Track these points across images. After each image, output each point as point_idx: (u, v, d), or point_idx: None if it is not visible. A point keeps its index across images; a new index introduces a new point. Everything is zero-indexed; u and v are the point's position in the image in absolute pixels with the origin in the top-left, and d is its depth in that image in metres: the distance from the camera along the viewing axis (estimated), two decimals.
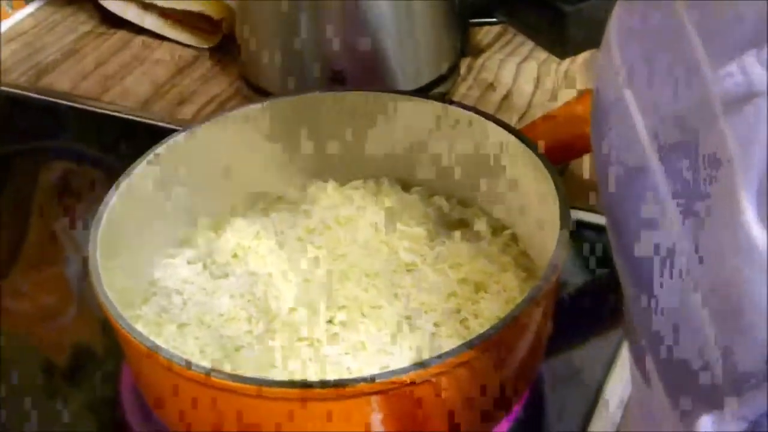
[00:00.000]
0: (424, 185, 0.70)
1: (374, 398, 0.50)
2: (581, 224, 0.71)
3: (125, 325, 0.53)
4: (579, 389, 0.63)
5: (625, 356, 0.64)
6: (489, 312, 0.59)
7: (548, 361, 0.61)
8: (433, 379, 0.50)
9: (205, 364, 0.53)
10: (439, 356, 0.50)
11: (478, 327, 0.58)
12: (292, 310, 0.60)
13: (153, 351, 0.51)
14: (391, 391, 0.49)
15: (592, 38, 0.98)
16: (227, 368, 0.56)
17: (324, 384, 0.50)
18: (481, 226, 0.66)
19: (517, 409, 0.60)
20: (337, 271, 0.62)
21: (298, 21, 0.82)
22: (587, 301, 0.69)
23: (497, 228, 0.66)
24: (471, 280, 0.61)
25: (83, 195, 0.80)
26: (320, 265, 0.63)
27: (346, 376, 0.54)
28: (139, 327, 0.56)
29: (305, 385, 0.50)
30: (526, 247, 0.64)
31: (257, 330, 0.59)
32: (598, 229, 0.73)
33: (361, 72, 0.83)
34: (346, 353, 0.56)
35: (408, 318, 0.59)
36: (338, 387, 0.49)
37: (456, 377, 0.50)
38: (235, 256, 0.65)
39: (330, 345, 0.57)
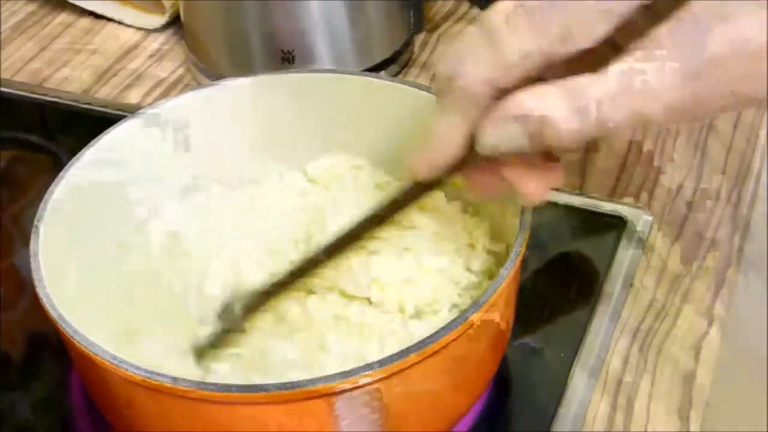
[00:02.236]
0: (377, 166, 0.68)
1: (309, 403, 0.49)
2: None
3: (58, 317, 0.52)
4: (545, 374, 0.63)
5: (591, 337, 0.64)
6: None
7: (513, 343, 0.61)
8: (371, 386, 0.49)
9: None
10: (379, 362, 0.48)
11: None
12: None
13: (90, 352, 0.50)
14: (321, 397, 0.49)
15: None
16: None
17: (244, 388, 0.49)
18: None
19: (479, 403, 0.60)
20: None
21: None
22: (549, 281, 0.69)
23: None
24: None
25: (30, 184, 0.78)
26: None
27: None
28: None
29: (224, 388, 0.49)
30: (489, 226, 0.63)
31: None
32: (558, 207, 0.73)
33: (310, 52, 0.82)
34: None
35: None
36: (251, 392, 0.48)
37: (396, 383, 0.50)
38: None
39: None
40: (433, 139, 0.49)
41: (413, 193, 0.53)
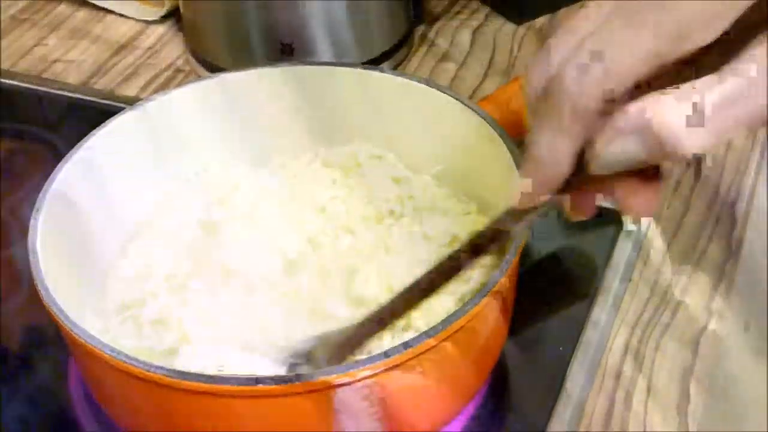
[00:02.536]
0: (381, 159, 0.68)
1: (302, 398, 0.49)
2: None
3: (57, 310, 0.52)
4: (544, 368, 0.63)
5: (589, 332, 0.64)
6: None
7: (511, 339, 0.61)
8: (369, 380, 0.49)
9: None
10: (370, 358, 0.48)
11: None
12: None
13: (92, 346, 0.50)
14: (315, 392, 0.48)
15: (549, 3, 0.98)
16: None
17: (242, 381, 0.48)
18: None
19: (477, 397, 0.60)
20: None
21: None
22: (548, 276, 0.69)
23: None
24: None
25: (28, 175, 0.78)
26: None
27: None
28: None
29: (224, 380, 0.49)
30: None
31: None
32: None
33: (310, 44, 0.82)
34: None
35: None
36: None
37: (393, 377, 0.50)
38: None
39: None
40: (536, 162, 0.44)
41: (507, 223, 0.49)
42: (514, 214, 0.48)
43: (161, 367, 0.48)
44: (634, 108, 0.40)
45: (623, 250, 0.69)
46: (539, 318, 0.65)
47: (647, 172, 0.44)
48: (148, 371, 0.48)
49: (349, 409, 0.50)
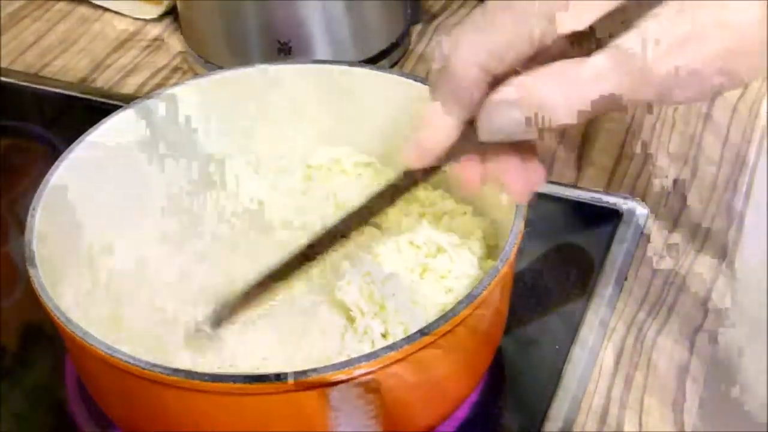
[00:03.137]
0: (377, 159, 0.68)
1: (295, 395, 0.49)
2: (537, 196, 0.71)
3: (53, 307, 0.52)
4: (540, 365, 0.63)
5: (586, 329, 0.64)
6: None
7: (508, 337, 0.61)
8: (365, 377, 0.49)
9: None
10: (367, 356, 0.49)
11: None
12: None
13: (87, 344, 0.50)
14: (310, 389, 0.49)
15: None
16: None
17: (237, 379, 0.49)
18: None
19: (474, 394, 0.60)
20: None
21: None
22: (545, 273, 0.69)
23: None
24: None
25: (26, 172, 0.78)
26: None
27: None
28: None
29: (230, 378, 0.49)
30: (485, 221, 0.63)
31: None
32: (554, 199, 0.73)
33: (307, 43, 0.82)
34: None
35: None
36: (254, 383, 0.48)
37: (389, 374, 0.50)
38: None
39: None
40: (426, 125, 0.49)
41: (403, 185, 0.53)
42: (410, 175, 0.52)
43: (157, 365, 0.48)
44: (515, 81, 0.45)
45: (620, 247, 0.69)
46: (536, 315, 0.66)
47: (526, 152, 0.49)
48: (144, 369, 0.48)
49: (345, 407, 0.50)
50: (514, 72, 0.46)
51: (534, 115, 0.45)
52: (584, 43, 0.45)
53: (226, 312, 0.56)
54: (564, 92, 0.44)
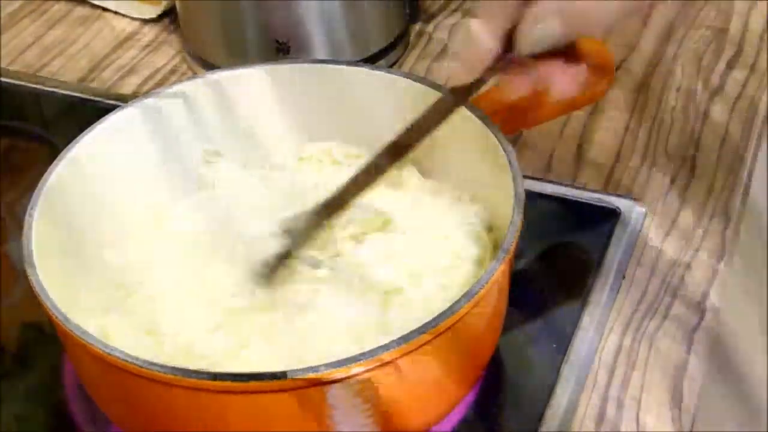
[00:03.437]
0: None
1: (292, 393, 0.49)
2: (535, 195, 0.71)
3: (51, 306, 0.52)
4: (537, 364, 0.63)
5: (583, 329, 0.64)
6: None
7: (506, 336, 0.61)
8: (362, 376, 0.49)
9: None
10: (364, 354, 0.49)
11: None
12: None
13: (85, 342, 0.50)
14: (304, 388, 0.49)
15: None
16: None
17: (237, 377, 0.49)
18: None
19: (471, 393, 0.60)
20: None
21: None
22: (543, 272, 0.69)
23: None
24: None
25: (25, 173, 0.78)
26: None
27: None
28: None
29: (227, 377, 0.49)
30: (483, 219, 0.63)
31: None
32: (552, 198, 0.73)
33: (306, 42, 0.82)
34: None
35: None
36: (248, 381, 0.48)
37: (387, 373, 0.50)
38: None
39: None
40: (471, 40, 0.52)
41: (450, 105, 0.55)
42: (457, 93, 0.55)
43: (154, 364, 0.49)
44: None
45: (617, 247, 0.69)
46: (533, 315, 0.66)
47: (568, 55, 0.52)
48: (141, 367, 0.49)
49: (342, 406, 0.50)
50: None
51: (573, 23, 0.48)
52: None
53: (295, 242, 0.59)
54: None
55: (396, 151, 0.57)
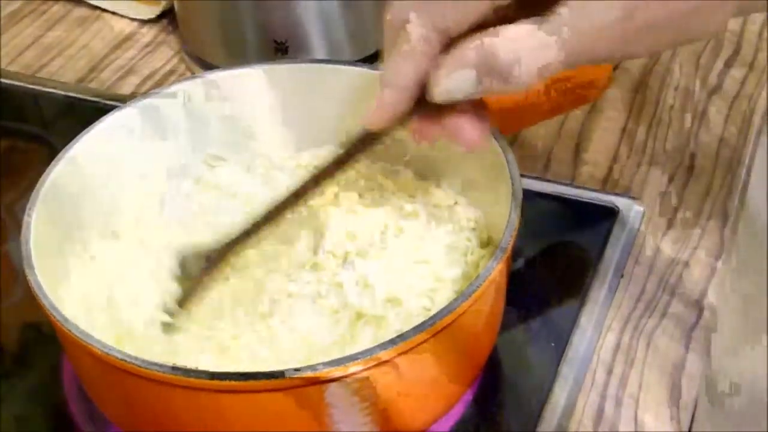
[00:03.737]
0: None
1: (291, 392, 0.49)
2: (533, 194, 0.71)
3: (50, 306, 0.52)
4: (536, 363, 0.63)
5: (581, 327, 0.64)
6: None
7: (504, 334, 0.61)
8: (360, 375, 0.49)
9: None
10: (362, 353, 0.49)
11: None
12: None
13: (84, 342, 0.50)
14: (301, 387, 0.49)
15: None
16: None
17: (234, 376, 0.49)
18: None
19: (469, 392, 0.60)
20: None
21: None
22: (540, 271, 0.69)
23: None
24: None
25: (24, 173, 0.78)
26: None
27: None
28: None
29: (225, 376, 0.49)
30: (480, 219, 0.63)
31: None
32: (550, 197, 0.73)
33: (304, 42, 0.82)
34: None
35: None
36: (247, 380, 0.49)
37: (384, 372, 0.50)
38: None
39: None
40: (384, 86, 0.50)
41: (362, 144, 0.55)
42: (367, 137, 0.54)
43: (153, 363, 0.49)
44: (472, 44, 0.46)
45: (615, 246, 0.69)
46: (531, 314, 0.66)
47: (477, 106, 0.51)
48: (140, 367, 0.49)
49: (340, 405, 0.50)
50: (467, 33, 0.47)
51: (490, 75, 0.46)
52: (538, 4, 0.46)
53: (214, 259, 0.58)
54: (523, 55, 0.45)
55: (317, 180, 0.57)
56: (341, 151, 0.56)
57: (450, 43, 0.48)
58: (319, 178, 0.57)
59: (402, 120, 0.52)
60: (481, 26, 0.47)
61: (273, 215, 0.58)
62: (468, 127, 0.51)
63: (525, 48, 0.45)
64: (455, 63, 0.47)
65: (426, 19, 0.48)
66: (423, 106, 0.50)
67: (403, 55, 0.49)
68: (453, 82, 0.47)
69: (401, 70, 0.49)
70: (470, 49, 0.46)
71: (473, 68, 0.46)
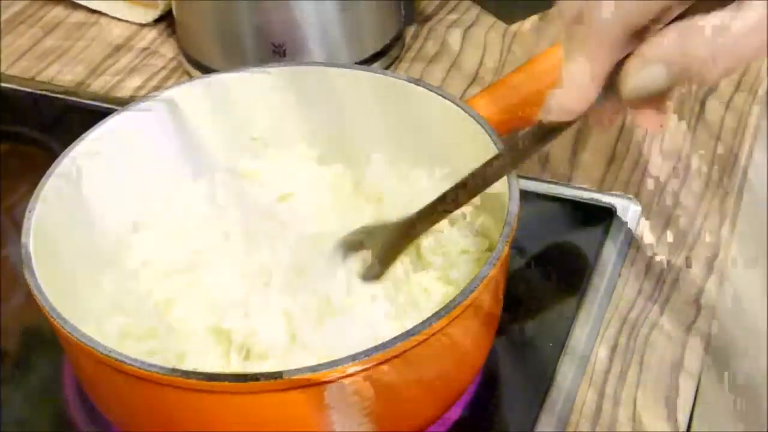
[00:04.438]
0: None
1: (287, 394, 0.49)
2: (530, 194, 0.71)
3: (49, 308, 0.52)
4: (533, 364, 0.64)
5: (579, 327, 0.64)
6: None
7: (501, 335, 0.61)
8: (359, 375, 0.49)
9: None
10: (360, 354, 0.49)
11: None
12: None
13: (83, 343, 0.50)
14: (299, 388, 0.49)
15: (540, 2, 0.98)
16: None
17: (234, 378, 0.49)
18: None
19: (468, 391, 0.61)
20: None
21: None
22: (539, 271, 0.69)
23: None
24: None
25: (23, 177, 0.78)
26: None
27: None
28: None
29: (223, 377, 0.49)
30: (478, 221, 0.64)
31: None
32: (547, 198, 0.73)
33: (301, 45, 0.82)
34: None
35: None
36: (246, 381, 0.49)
37: (383, 372, 0.50)
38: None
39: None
40: (567, 82, 0.48)
41: (538, 138, 0.52)
42: (538, 134, 0.52)
43: (152, 365, 0.49)
44: (663, 38, 0.44)
45: (613, 245, 0.69)
46: (529, 314, 0.66)
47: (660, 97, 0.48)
48: (140, 369, 0.49)
49: (338, 406, 0.50)
50: (656, 27, 0.45)
51: (682, 71, 0.44)
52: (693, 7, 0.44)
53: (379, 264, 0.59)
54: (713, 49, 0.43)
55: (444, 207, 0.56)
56: (510, 151, 0.54)
57: (636, 35, 0.46)
58: (484, 175, 0.54)
59: (581, 116, 0.50)
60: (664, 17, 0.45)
61: (427, 215, 0.57)
62: (653, 115, 0.49)
63: (723, 37, 0.43)
64: (644, 59, 0.45)
65: (613, 11, 0.45)
66: (603, 102, 0.49)
67: (584, 50, 0.47)
68: (643, 79, 0.45)
69: (583, 64, 0.47)
70: (660, 44, 0.44)
71: (665, 64, 0.44)
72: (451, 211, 0.57)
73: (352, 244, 0.60)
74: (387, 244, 0.59)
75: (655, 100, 0.48)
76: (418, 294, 0.59)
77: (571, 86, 0.48)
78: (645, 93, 0.46)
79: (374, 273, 0.59)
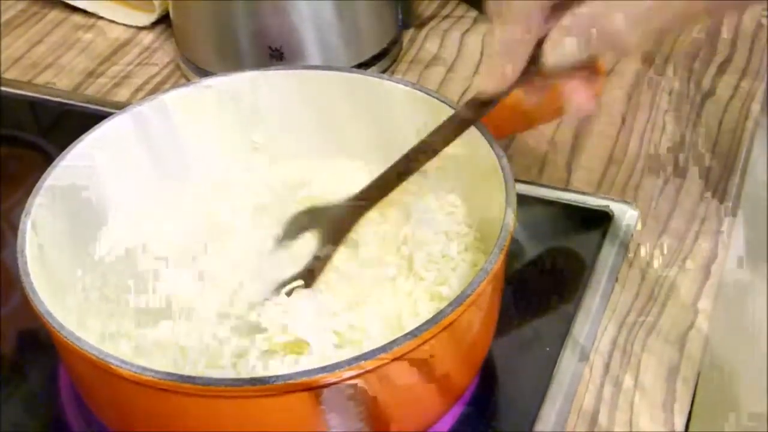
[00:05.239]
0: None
1: (284, 398, 0.49)
2: (528, 198, 0.71)
3: (45, 312, 0.52)
4: (532, 366, 0.63)
5: (576, 331, 0.64)
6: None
7: (499, 339, 0.61)
8: (354, 380, 0.49)
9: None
10: (356, 358, 0.49)
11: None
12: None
13: (79, 348, 0.50)
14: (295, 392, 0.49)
15: None
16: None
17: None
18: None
19: (466, 395, 0.60)
20: None
21: None
22: (536, 275, 0.69)
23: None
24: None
25: (20, 180, 0.78)
26: None
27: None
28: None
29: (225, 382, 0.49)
30: (475, 224, 0.64)
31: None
32: (545, 202, 0.73)
33: (299, 48, 0.82)
34: None
35: None
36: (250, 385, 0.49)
37: (379, 376, 0.50)
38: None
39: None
40: (499, 53, 0.51)
41: (472, 114, 0.56)
42: (473, 107, 0.56)
43: (147, 369, 0.49)
44: (583, 9, 0.47)
45: (610, 249, 0.69)
46: (527, 318, 0.66)
47: (588, 71, 0.52)
48: (135, 373, 0.49)
49: (335, 410, 0.50)
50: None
51: (602, 41, 0.47)
52: None
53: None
54: (627, 19, 0.46)
55: (406, 168, 0.59)
56: (451, 119, 0.57)
57: (556, 8, 0.49)
58: (429, 146, 0.58)
59: (514, 85, 0.53)
60: None
61: (381, 184, 0.60)
62: (580, 90, 0.52)
63: (634, 12, 0.46)
64: (564, 30, 0.48)
65: None
66: (533, 70, 0.51)
67: (512, 22, 0.50)
68: (562, 49, 0.49)
69: (513, 35, 0.50)
70: (578, 15, 0.48)
71: (583, 34, 0.48)
72: (403, 179, 0.59)
73: (294, 228, 0.61)
74: (336, 222, 0.60)
75: (581, 71, 0.51)
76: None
77: (505, 55, 0.51)
78: (566, 62, 0.49)
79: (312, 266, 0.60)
